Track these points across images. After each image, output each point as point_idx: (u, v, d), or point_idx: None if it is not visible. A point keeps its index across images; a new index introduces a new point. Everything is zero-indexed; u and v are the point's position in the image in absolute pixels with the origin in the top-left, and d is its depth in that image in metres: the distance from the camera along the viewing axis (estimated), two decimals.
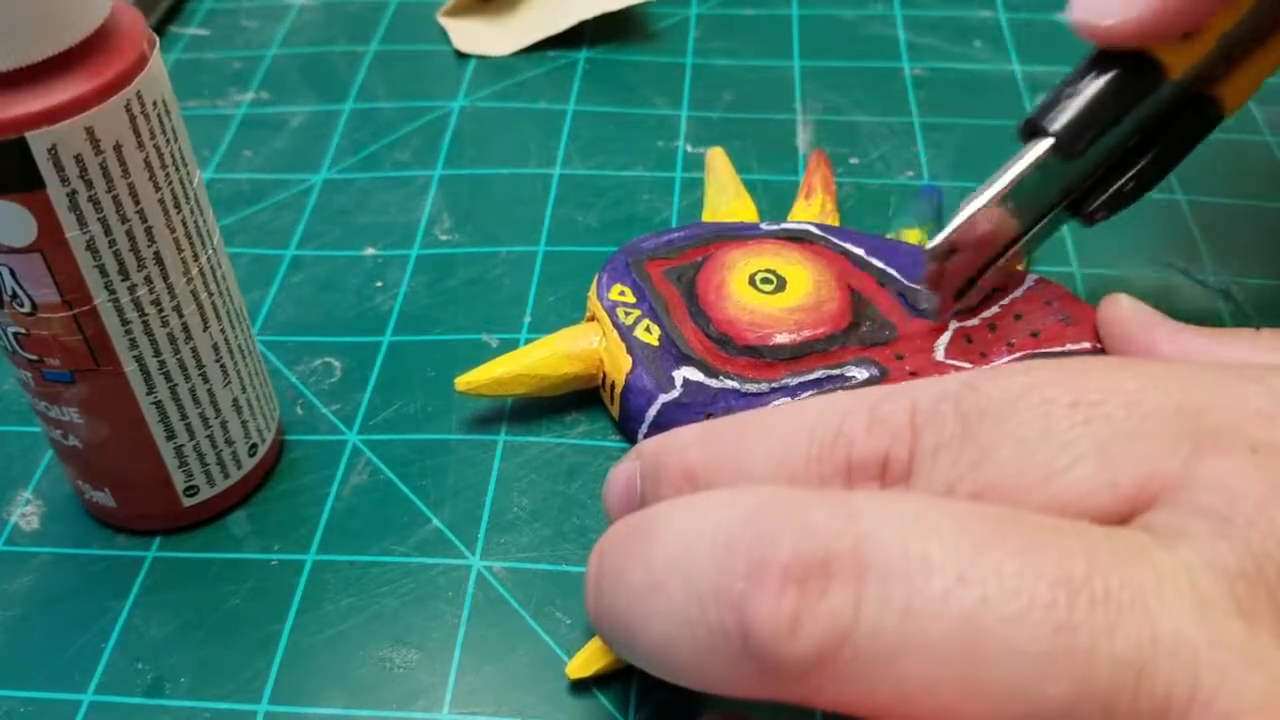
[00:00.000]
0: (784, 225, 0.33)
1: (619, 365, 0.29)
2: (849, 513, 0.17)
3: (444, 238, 0.36)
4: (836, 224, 0.34)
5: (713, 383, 0.28)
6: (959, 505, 0.17)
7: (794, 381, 0.28)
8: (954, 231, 0.28)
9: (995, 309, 0.30)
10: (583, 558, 0.27)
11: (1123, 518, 0.17)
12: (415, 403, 0.31)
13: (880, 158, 0.38)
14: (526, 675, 0.25)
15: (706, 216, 0.35)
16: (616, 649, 0.20)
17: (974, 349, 0.29)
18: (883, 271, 0.31)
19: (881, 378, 0.28)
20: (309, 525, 0.28)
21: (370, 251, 0.36)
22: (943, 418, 0.18)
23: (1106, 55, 0.27)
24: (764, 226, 0.33)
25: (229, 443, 0.27)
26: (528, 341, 0.32)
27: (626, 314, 0.30)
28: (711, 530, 0.18)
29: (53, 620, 0.27)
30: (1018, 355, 0.28)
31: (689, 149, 0.39)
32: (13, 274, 0.23)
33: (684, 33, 0.45)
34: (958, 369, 0.28)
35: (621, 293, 0.31)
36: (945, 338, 0.29)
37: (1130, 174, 0.28)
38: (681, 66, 0.43)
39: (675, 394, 0.28)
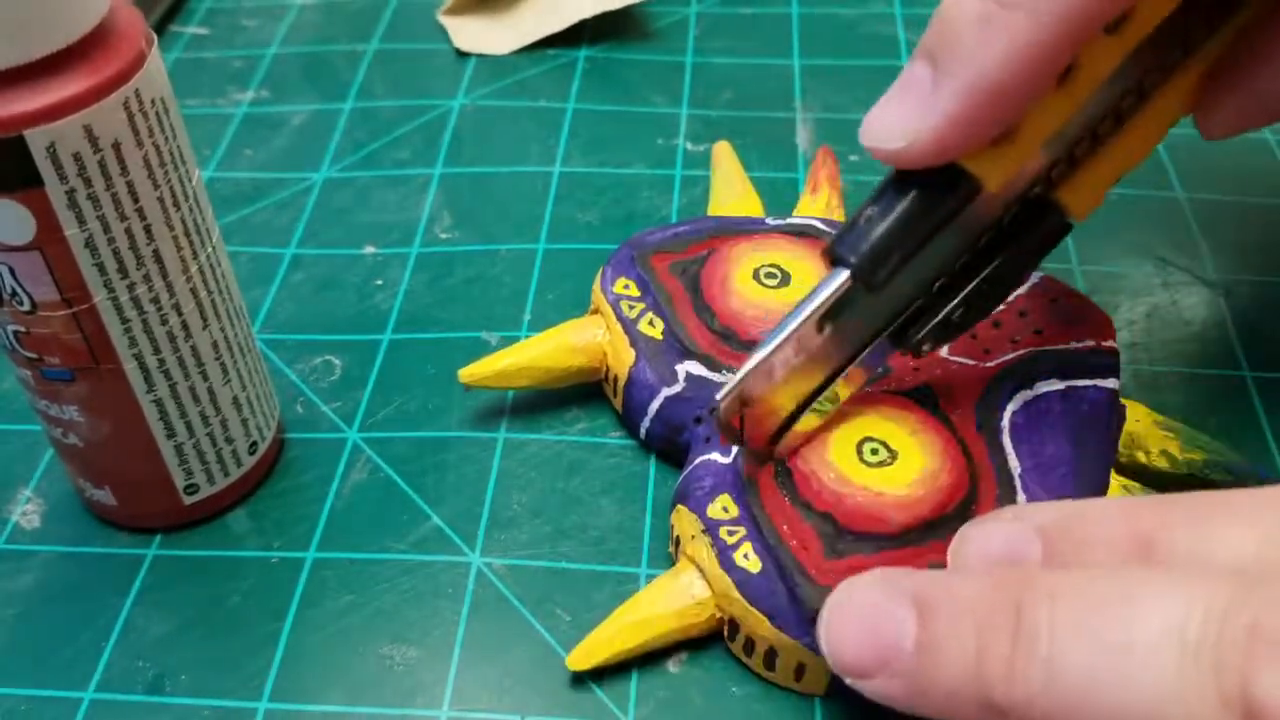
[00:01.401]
0: (789, 220, 0.33)
1: (622, 359, 0.29)
2: None
3: (444, 236, 0.36)
4: (842, 219, 0.34)
5: (716, 377, 0.28)
6: None
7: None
8: (740, 383, 0.24)
9: (1000, 306, 0.30)
10: (582, 554, 0.27)
11: None
12: (415, 401, 0.31)
13: None
14: (526, 672, 0.25)
15: (712, 210, 0.35)
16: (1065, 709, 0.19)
17: (977, 345, 0.29)
18: None
19: (884, 373, 0.28)
20: (309, 523, 0.28)
21: (370, 250, 0.36)
22: None
23: (911, 171, 0.23)
24: (769, 221, 0.33)
25: (229, 441, 0.27)
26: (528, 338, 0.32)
27: (630, 307, 0.30)
28: (1205, 602, 0.17)
29: (53, 618, 0.27)
30: (1021, 353, 0.28)
31: (689, 147, 0.39)
32: (12, 272, 0.23)
33: (684, 31, 0.45)
34: (961, 365, 0.28)
35: (626, 286, 0.30)
36: None
37: (959, 298, 0.25)
38: (681, 65, 0.43)
39: (678, 388, 0.28)
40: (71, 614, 0.27)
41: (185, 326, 0.25)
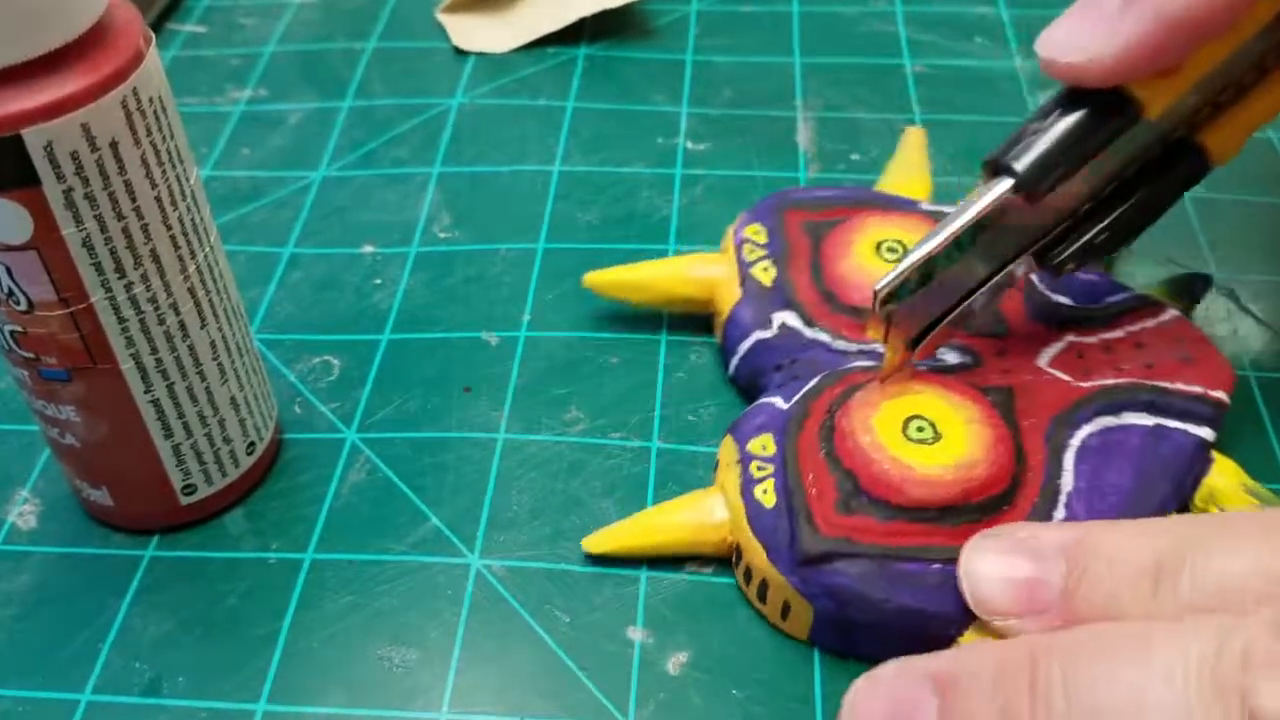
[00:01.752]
0: (940, 208, 0.32)
1: (728, 297, 0.30)
2: None
3: (443, 235, 0.36)
4: None
5: (806, 331, 0.29)
6: None
7: (883, 349, 0.28)
8: (903, 273, 0.25)
9: (1120, 332, 0.29)
10: (582, 556, 0.27)
11: None
12: (414, 401, 0.31)
13: (881, 154, 0.38)
14: (525, 673, 0.25)
15: (878, 188, 0.35)
16: None
17: (1080, 365, 0.28)
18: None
19: (973, 366, 0.28)
20: (307, 524, 0.28)
21: (369, 249, 0.36)
22: None
23: (1078, 91, 0.25)
24: (922, 205, 0.32)
25: (226, 441, 0.27)
26: (528, 339, 0.32)
27: (752, 251, 0.31)
28: (1203, 636, 0.19)
29: (50, 619, 0.26)
30: (1121, 380, 0.27)
31: (689, 145, 0.39)
32: (9, 272, 0.23)
33: (684, 29, 0.45)
34: (1055, 379, 0.28)
35: (756, 232, 0.32)
36: (1056, 347, 0.28)
37: (1104, 223, 0.26)
38: (681, 63, 0.43)
39: (770, 334, 0.29)
40: (68, 615, 0.27)
41: (183, 326, 0.25)
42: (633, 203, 0.37)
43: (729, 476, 0.27)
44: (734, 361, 0.30)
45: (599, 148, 0.39)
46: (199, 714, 0.25)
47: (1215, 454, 0.27)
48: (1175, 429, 0.27)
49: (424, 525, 0.28)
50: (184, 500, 0.27)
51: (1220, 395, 0.28)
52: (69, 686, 0.25)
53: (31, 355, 0.24)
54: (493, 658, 0.25)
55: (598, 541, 0.27)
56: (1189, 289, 0.32)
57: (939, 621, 0.24)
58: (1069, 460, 0.26)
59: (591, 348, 0.32)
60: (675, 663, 0.25)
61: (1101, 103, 0.25)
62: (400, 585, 0.27)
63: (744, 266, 0.31)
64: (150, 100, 0.22)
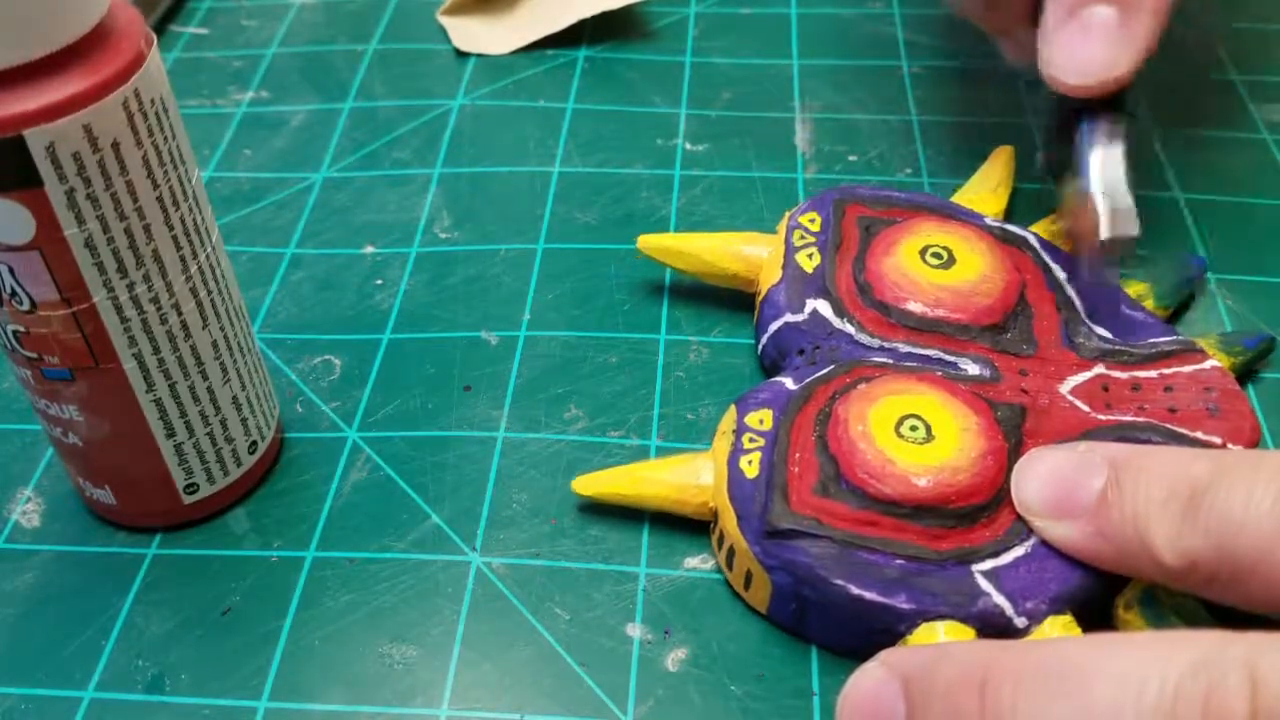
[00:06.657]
0: (1007, 225, 0.32)
1: (769, 277, 0.31)
2: None
3: (443, 236, 0.36)
4: (1065, 247, 0.32)
5: (834, 321, 0.29)
6: None
7: (904, 349, 0.28)
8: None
9: (1152, 373, 0.28)
10: (582, 554, 0.27)
11: None
12: (415, 400, 0.31)
13: (879, 156, 0.38)
14: (525, 671, 0.25)
15: (955, 198, 0.34)
16: None
17: (1102, 398, 0.28)
18: (1068, 299, 0.30)
19: (991, 380, 0.28)
20: (309, 522, 0.28)
21: (370, 249, 0.36)
22: None
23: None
24: (987, 220, 0.32)
25: (229, 440, 0.27)
26: (527, 339, 0.33)
27: (801, 237, 0.31)
28: (1158, 679, 0.18)
29: (53, 617, 0.27)
30: (1139, 419, 0.27)
31: (688, 147, 0.39)
32: (11, 272, 0.23)
33: (683, 31, 0.45)
34: (1073, 407, 0.27)
35: (811, 220, 0.32)
36: (1082, 377, 0.28)
37: None
38: (680, 65, 0.43)
39: (800, 318, 0.30)
40: (71, 613, 0.27)
41: (185, 326, 0.25)
42: (632, 203, 0.37)
43: (722, 444, 0.27)
44: (763, 340, 0.31)
45: (598, 149, 0.39)
46: (201, 711, 0.25)
47: None
48: None
49: (424, 523, 0.28)
50: (186, 499, 0.28)
51: (1238, 449, 0.27)
52: (72, 684, 0.25)
53: (34, 355, 0.24)
54: (493, 655, 0.26)
55: (586, 483, 0.28)
56: (1172, 277, 0.32)
57: (890, 616, 0.24)
58: None
59: (591, 347, 0.32)
60: (674, 659, 0.25)
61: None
62: (401, 583, 0.27)
63: (790, 251, 0.31)
64: (152, 101, 0.23)
